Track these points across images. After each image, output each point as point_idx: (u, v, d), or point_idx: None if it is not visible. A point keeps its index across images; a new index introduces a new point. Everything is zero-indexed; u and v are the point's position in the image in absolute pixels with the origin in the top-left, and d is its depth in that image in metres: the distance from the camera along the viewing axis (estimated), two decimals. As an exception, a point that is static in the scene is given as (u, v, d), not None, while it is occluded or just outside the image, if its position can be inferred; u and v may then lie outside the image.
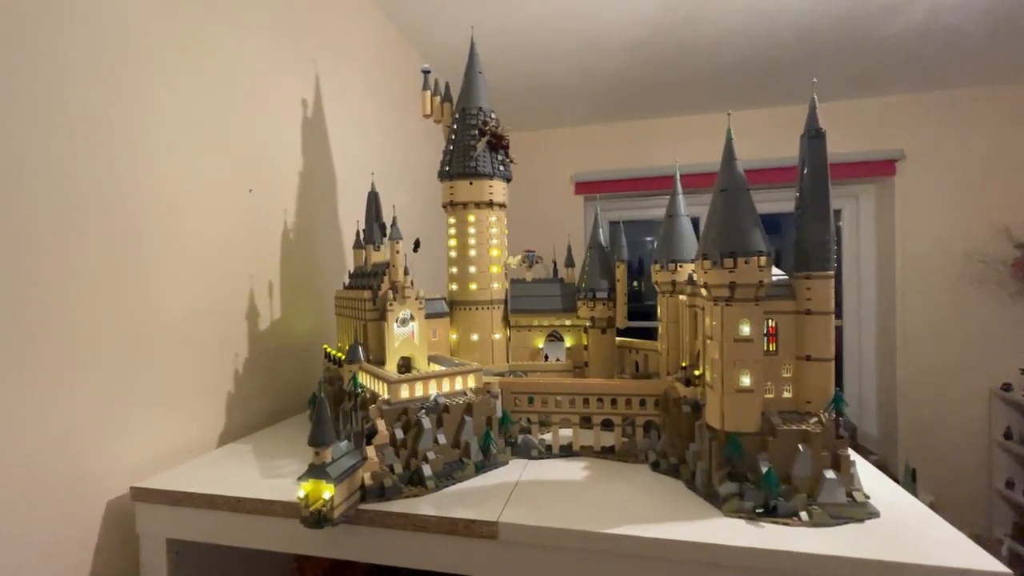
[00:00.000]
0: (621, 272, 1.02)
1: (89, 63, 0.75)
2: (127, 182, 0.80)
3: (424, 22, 1.74)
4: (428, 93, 1.08)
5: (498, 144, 1.02)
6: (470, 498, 0.70)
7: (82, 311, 0.74)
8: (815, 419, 0.65)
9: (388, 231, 0.91)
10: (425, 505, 0.68)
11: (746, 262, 0.64)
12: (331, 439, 0.64)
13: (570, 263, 1.09)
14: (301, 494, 0.62)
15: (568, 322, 1.05)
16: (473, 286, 1.03)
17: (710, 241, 0.67)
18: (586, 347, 1.04)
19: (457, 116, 1.05)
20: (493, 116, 1.05)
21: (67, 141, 0.72)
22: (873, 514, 0.62)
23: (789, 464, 0.63)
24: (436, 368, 0.84)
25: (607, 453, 0.84)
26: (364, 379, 0.84)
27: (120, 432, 0.79)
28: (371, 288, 0.92)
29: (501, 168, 1.04)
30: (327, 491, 0.62)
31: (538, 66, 2.09)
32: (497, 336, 1.05)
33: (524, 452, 0.85)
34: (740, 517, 0.62)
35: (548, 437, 0.86)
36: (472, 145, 1.01)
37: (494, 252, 1.04)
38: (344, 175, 1.40)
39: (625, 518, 0.63)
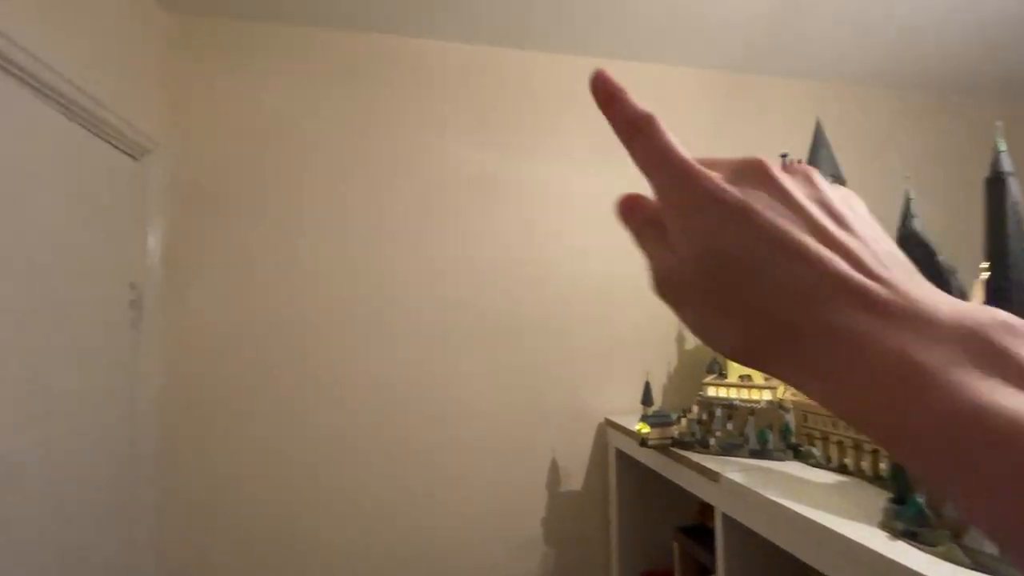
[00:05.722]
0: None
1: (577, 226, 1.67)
2: (568, 266, 1.67)
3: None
4: (785, 173, 1.38)
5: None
6: (728, 464, 1.07)
7: (582, 332, 1.64)
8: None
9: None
10: (698, 456, 1.12)
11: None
12: (650, 402, 1.21)
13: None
14: (636, 428, 1.23)
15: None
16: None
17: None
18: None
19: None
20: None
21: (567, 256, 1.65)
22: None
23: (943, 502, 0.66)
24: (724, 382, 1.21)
25: (876, 480, 0.92)
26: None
27: (603, 391, 1.64)
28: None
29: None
30: (644, 428, 1.20)
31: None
32: (835, 369, 1.20)
33: (803, 458, 1.06)
34: (888, 532, 0.71)
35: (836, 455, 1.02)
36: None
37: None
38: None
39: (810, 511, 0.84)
